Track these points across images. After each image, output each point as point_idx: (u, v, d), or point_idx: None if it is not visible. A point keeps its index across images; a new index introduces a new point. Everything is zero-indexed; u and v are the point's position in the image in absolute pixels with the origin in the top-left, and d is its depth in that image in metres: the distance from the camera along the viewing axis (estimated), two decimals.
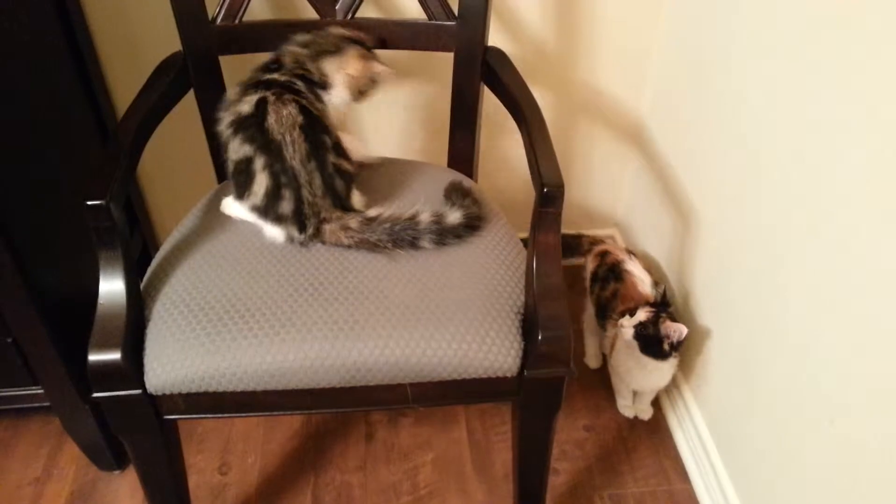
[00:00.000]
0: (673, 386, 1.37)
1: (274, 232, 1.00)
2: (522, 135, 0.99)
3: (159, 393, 0.89)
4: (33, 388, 1.17)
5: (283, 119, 0.96)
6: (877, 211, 0.81)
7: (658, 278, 1.32)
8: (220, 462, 1.32)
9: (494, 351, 0.89)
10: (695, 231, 1.29)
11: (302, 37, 1.05)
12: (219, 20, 1.09)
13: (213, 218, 1.06)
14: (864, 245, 0.84)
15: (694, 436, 1.29)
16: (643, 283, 1.27)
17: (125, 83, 1.34)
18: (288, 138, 0.95)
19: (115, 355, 0.86)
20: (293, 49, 1.04)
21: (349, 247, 0.99)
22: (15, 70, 1.03)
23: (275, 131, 0.95)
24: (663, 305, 1.21)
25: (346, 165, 1.00)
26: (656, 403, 1.40)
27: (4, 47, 1.00)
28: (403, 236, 0.97)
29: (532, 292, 0.91)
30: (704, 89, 1.24)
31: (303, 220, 0.98)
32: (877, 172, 0.81)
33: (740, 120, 1.11)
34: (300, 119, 0.96)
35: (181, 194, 1.49)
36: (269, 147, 0.95)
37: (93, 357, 0.86)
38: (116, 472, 1.30)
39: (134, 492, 1.26)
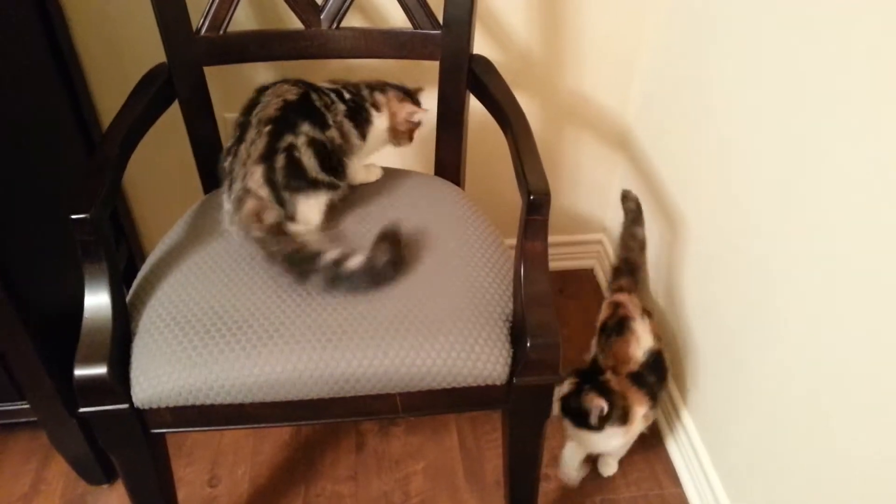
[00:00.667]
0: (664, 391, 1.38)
1: (226, 206, 0.99)
2: (508, 142, 0.99)
3: (146, 407, 0.88)
4: (19, 402, 1.16)
5: (279, 90, 1.00)
6: (863, 212, 0.82)
7: (663, 345, 1.27)
8: (210, 475, 1.31)
9: (483, 359, 0.89)
10: (682, 235, 1.29)
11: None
12: (203, 31, 1.09)
13: (199, 229, 1.05)
14: (852, 247, 0.84)
15: (685, 440, 1.30)
16: (639, 347, 1.22)
17: (110, 94, 1.34)
18: (267, 99, 0.99)
19: (101, 370, 0.85)
20: (357, 82, 1.11)
21: (254, 241, 0.93)
22: None
23: (265, 95, 1.00)
24: (591, 374, 1.15)
25: (306, 162, 0.96)
26: None
27: None
28: (295, 267, 0.92)
29: (520, 300, 0.91)
30: (690, 94, 1.25)
31: (232, 179, 0.94)
32: (863, 176, 0.82)
33: (726, 125, 1.12)
34: (293, 98, 0.99)
35: (167, 206, 1.48)
36: (252, 106, 0.99)
37: (79, 371, 0.85)
38: (105, 486, 1.28)
39: None
